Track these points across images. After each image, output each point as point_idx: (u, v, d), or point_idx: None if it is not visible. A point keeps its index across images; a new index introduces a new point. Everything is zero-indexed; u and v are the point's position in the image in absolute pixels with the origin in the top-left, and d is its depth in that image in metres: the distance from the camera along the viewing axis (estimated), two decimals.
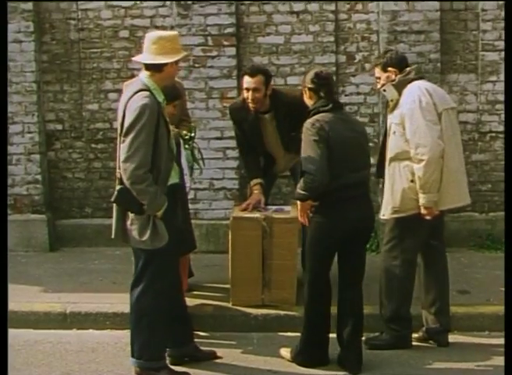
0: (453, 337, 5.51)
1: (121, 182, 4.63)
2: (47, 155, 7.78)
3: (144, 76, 4.70)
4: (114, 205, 4.75)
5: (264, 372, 5.07)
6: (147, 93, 4.55)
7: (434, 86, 5.35)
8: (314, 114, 4.82)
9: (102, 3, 7.48)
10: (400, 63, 5.24)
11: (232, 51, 7.32)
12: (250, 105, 5.82)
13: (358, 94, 7.43)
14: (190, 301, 5.86)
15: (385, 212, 5.26)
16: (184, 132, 5.87)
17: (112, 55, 7.55)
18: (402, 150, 5.06)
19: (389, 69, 5.24)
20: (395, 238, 5.26)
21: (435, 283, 5.37)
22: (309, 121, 4.79)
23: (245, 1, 7.36)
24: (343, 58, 7.40)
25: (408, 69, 5.23)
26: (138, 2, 7.45)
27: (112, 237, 4.84)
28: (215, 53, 7.31)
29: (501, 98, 7.41)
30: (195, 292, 6.26)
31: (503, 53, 7.33)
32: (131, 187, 4.52)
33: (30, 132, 7.54)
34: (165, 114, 4.73)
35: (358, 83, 7.41)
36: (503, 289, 5.95)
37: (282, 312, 5.79)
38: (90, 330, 5.82)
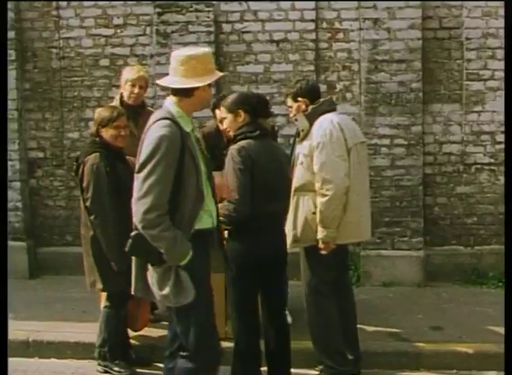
0: (417, 374, 5.37)
1: (136, 227, 4.00)
2: (28, 183, 7.78)
3: (169, 102, 4.10)
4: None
5: None
6: (168, 122, 3.94)
7: (346, 119, 5.24)
8: (240, 139, 4.70)
9: (83, 31, 7.51)
10: (311, 93, 5.13)
11: None
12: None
13: None
14: (155, 332, 5.85)
15: (287, 242, 5.11)
16: None
17: (93, 84, 7.58)
18: (307, 181, 4.96)
19: (299, 99, 5.13)
20: (307, 270, 5.15)
21: (340, 314, 5.18)
22: (235, 148, 4.66)
23: (224, 31, 7.32)
24: (323, 88, 7.24)
25: (321, 100, 5.12)
26: (118, 31, 7.47)
27: (132, 292, 4.22)
28: None
29: (486, 128, 7.30)
30: (165, 322, 6.16)
31: (487, 82, 7.26)
32: (144, 232, 3.92)
33: (11, 159, 7.55)
34: (196, 147, 4.09)
35: (339, 113, 7.27)
36: (480, 326, 5.90)
37: None
38: (52, 359, 5.73)
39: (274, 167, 4.73)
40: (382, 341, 5.79)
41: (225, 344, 5.59)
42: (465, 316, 6.23)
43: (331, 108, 5.16)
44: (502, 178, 7.30)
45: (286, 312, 6.20)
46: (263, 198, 4.65)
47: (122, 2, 7.46)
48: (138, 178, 3.94)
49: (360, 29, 7.16)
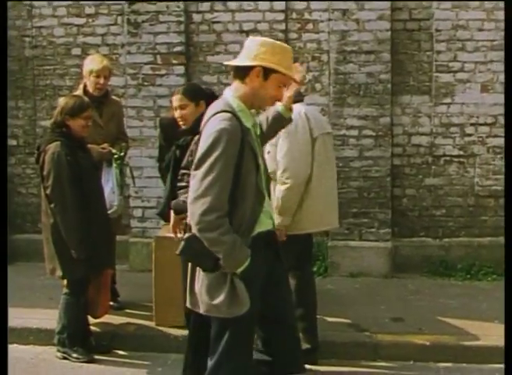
0: (375, 364, 5.40)
1: (190, 229, 3.67)
2: None
3: (229, 93, 3.74)
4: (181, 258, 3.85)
5: None
6: (229, 115, 3.59)
7: (312, 110, 5.31)
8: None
9: (55, 21, 7.54)
10: None
11: (181, 69, 7.29)
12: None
13: None
14: (115, 319, 5.95)
15: None
16: (114, 150, 5.93)
17: (65, 73, 7.61)
18: (273, 170, 4.98)
19: None
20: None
21: (299, 303, 5.17)
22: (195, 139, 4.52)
23: (195, 21, 7.32)
24: None
25: None
26: (90, 20, 7.50)
27: (188, 305, 3.86)
28: (163, 72, 7.29)
29: (455, 120, 7.29)
30: (128, 310, 6.26)
31: (457, 74, 7.25)
32: (200, 235, 3.56)
33: None
34: (256, 143, 3.76)
35: (308, 104, 7.13)
36: (441, 318, 5.91)
37: None
38: (15, 345, 5.75)
39: None
40: (341, 331, 5.82)
41: (183, 332, 5.63)
42: (428, 307, 6.24)
43: (298, 99, 5.12)
44: (471, 170, 7.34)
45: None
46: None
47: None
48: (195, 176, 3.59)
49: (330, 20, 7.13)
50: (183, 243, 3.66)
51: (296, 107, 4.99)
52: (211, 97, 4.97)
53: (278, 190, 4.96)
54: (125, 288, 6.61)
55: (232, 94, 3.71)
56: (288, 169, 4.92)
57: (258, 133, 3.88)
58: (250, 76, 3.65)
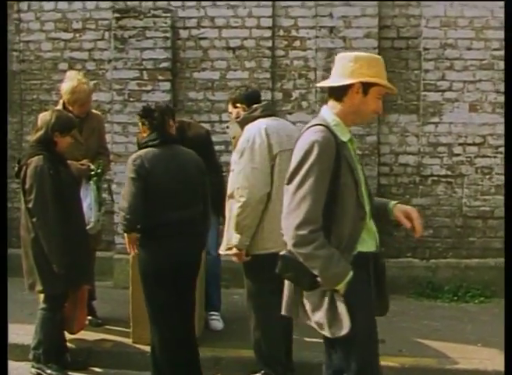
0: None
1: (286, 245, 3.59)
2: None
3: (325, 108, 3.69)
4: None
5: None
6: (322, 127, 3.52)
7: (280, 125, 5.10)
8: (142, 148, 4.80)
9: (43, 35, 7.53)
10: (249, 99, 5.13)
11: (167, 85, 7.27)
12: None
13: None
14: (91, 335, 5.88)
15: (222, 248, 5.15)
16: (93, 167, 5.90)
17: (52, 87, 7.58)
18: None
19: (238, 105, 5.16)
20: (247, 279, 5.10)
21: (257, 325, 5.10)
22: (131, 156, 4.80)
23: (181, 37, 7.31)
24: (279, 96, 7.28)
25: (255, 105, 5.06)
26: (77, 35, 7.49)
27: (283, 312, 3.76)
28: (149, 87, 7.27)
29: (443, 140, 7.23)
30: (106, 327, 6.19)
31: (445, 93, 7.20)
32: (295, 250, 3.46)
33: None
34: (354, 158, 3.63)
35: (295, 122, 7.08)
36: (423, 341, 5.81)
37: None
38: None
39: (175, 174, 4.77)
40: (318, 351, 5.68)
41: None
42: (411, 329, 6.14)
43: (265, 113, 5.07)
44: (459, 190, 7.25)
45: (217, 318, 6.22)
46: (165, 207, 4.73)
47: (81, 7, 7.44)
48: (287, 190, 3.51)
49: (317, 37, 7.10)
50: (279, 262, 3.57)
51: (259, 122, 4.96)
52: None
53: (235, 208, 4.86)
54: (106, 305, 6.55)
55: (329, 111, 3.65)
56: (243, 186, 4.80)
57: (356, 147, 3.78)
58: (349, 93, 3.58)
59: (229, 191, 4.99)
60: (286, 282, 3.66)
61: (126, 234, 4.97)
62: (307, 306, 3.57)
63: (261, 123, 4.95)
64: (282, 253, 3.57)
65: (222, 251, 5.19)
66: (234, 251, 4.90)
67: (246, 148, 4.83)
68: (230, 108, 5.29)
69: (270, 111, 5.16)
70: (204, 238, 5.18)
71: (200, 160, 5.06)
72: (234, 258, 4.95)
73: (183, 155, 4.98)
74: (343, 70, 3.60)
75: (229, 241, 4.98)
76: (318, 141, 3.43)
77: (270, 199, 4.87)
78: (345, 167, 3.50)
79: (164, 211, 4.73)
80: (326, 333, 3.51)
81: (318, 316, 3.51)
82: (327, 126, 3.54)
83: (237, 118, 5.12)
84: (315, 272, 3.43)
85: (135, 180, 4.71)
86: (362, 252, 3.58)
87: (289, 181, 3.49)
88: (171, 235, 4.74)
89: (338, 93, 3.60)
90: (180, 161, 4.87)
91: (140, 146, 4.88)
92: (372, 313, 3.68)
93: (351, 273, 3.46)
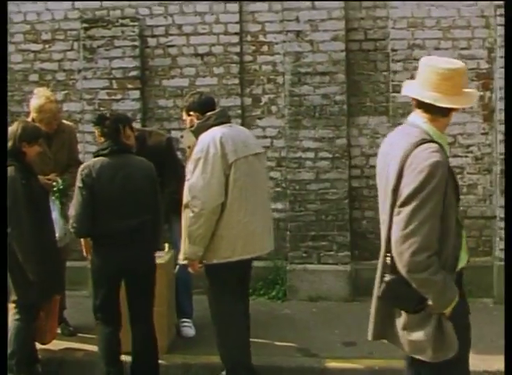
0: None
1: (392, 270, 3.40)
2: None
3: (420, 120, 3.50)
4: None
5: None
6: (436, 146, 3.34)
7: (235, 132, 5.13)
8: (95, 157, 4.89)
9: (13, 47, 7.52)
10: (202, 107, 5.12)
11: (137, 94, 7.29)
12: None
13: (265, 137, 7.23)
14: (63, 345, 5.92)
15: (180, 258, 5.19)
16: (59, 181, 5.91)
17: (23, 99, 7.54)
18: None
19: (191, 113, 5.14)
20: (208, 287, 5.14)
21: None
22: (81, 166, 4.92)
23: (150, 45, 7.33)
24: (248, 101, 7.28)
25: (209, 113, 5.06)
26: (47, 46, 7.49)
27: (369, 338, 3.77)
28: (119, 96, 7.28)
29: None
30: (79, 335, 6.21)
31: None
32: (409, 276, 3.30)
33: None
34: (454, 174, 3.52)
35: (264, 127, 7.26)
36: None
37: None
38: None
39: (121, 184, 4.85)
40: (289, 356, 5.73)
41: (129, 358, 5.64)
42: None
43: (219, 121, 5.07)
44: None
45: (189, 325, 6.22)
46: (112, 215, 4.81)
47: (50, 18, 7.44)
48: (402, 212, 3.31)
49: (284, 41, 7.10)
50: (384, 285, 3.43)
51: (213, 131, 4.96)
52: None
53: (188, 218, 4.88)
54: (79, 314, 6.51)
55: (422, 120, 3.50)
56: (195, 197, 4.83)
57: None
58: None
59: (184, 201, 5.00)
60: (377, 305, 3.58)
61: (83, 240, 5.18)
62: (406, 334, 3.45)
63: (216, 132, 4.94)
64: (388, 278, 3.40)
65: (180, 261, 5.23)
66: (187, 261, 4.95)
67: (199, 159, 4.85)
68: (184, 116, 5.27)
69: (224, 118, 5.15)
70: (154, 245, 5.21)
71: (153, 169, 5.08)
72: (189, 268, 4.98)
73: (133, 164, 5.02)
74: (431, 84, 3.45)
75: (185, 251, 4.99)
76: (440, 162, 3.29)
77: (225, 208, 4.88)
78: (451, 185, 3.41)
79: (110, 219, 4.83)
80: (429, 358, 3.39)
81: (423, 341, 3.38)
82: (438, 142, 3.39)
83: (191, 127, 5.11)
84: (429, 296, 3.32)
85: (82, 189, 4.83)
86: (460, 269, 3.52)
87: (406, 204, 3.29)
88: (117, 243, 4.83)
89: (445, 112, 3.47)
90: (128, 170, 4.92)
91: (93, 155, 4.92)
92: (470, 331, 3.59)
93: (458, 296, 3.39)
